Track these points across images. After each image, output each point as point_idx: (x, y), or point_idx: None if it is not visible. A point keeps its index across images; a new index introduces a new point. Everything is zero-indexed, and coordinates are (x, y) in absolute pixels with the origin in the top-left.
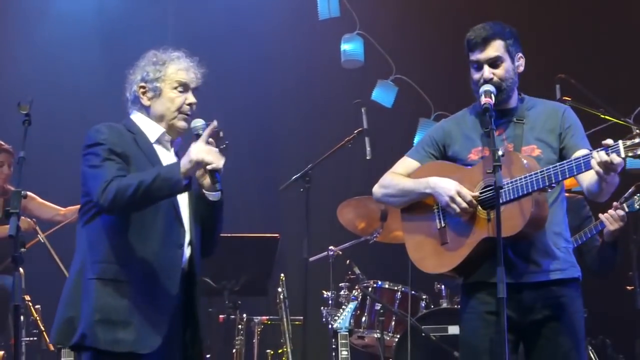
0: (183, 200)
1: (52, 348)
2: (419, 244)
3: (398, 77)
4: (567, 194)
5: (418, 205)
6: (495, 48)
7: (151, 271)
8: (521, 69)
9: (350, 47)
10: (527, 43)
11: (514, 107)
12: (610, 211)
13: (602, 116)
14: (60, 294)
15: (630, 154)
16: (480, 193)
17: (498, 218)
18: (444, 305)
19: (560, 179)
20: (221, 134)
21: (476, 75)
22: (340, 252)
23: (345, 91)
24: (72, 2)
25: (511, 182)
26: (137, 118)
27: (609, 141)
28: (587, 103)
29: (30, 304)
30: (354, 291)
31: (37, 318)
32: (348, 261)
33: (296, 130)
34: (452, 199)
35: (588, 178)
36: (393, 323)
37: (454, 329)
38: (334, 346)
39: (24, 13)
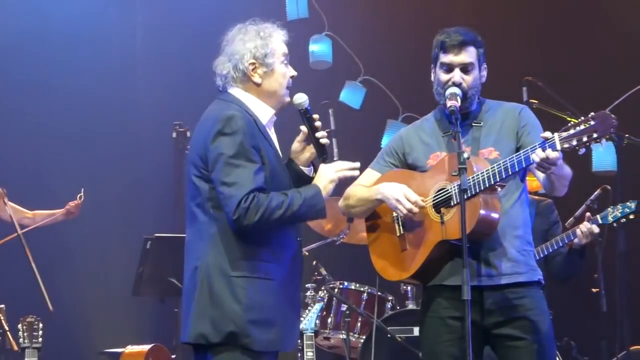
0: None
1: (15, 348)
2: (382, 253)
3: (366, 78)
4: (536, 197)
5: (379, 216)
6: (470, 54)
7: (289, 266)
8: (484, 79)
9: (319, 48)
10: (495, 46)
11: (472, 110)
12: (584, 226)
13: (568, 119)
14: (24, 293)
15: (565, 146)
16: (434, 197)
17: (463, 221)
18: (410, 306)
19: (504, 175)
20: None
21: (444, 77)
22: (307, 253)
23: (313, 92)
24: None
25: (459, 184)
26: (244, 97)
27: (547, 134)
28: (554, 105)
29: None
30: (320, 292)
31: (1, 318)
32: (314, 262)
33: None
34: (398, 201)
35: (541, 174)
36: (359, 324)
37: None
38: (299, 347)
39: None
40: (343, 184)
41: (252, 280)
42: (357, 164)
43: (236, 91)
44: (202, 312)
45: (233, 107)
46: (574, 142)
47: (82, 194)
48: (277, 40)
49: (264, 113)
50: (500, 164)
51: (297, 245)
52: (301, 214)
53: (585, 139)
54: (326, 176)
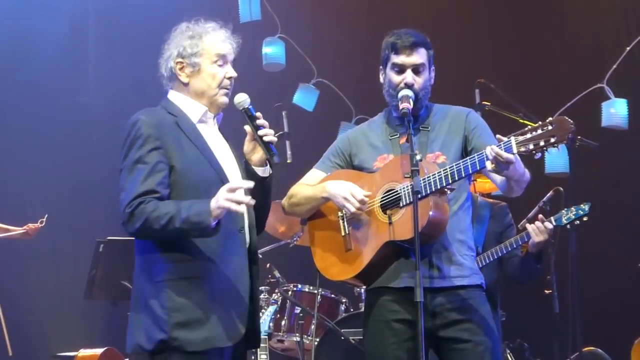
0: (237, 180)
1: None
2: (325, 252)
3: (319, 80)
4: (490, 200)
5: (323, 215)
6: (421, 55)
7: (219, 261)
8: (432, 82)
9: (272, 50)
10: (447, 47)
11: (421, 114)
12: (537, 223)
13: (520, 120)
14: None
15: (522, 149)
16: (382, 198)
17: (416, 222)
18: (364, 308)
19: (457, 177)
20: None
21: (396, 79)
22: (260, 256)
23: (267, 95)
24: None
25: (410, 185)
26: (176, 97)
27: (501, 137)
28: (506, 107)
29: None
30: (273, 294)
31: None
32: (268, 265)
33: None
34: (346, 199)
35: (498, 177)
36: (312, 327)
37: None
38: (253, 350)
39: None
40: (283, 185)
41: (175, 282)
42: (248, 201)
43: (172, 94)
44: (136, 322)
45: (148, 111)
46: (531, 146)
47: (44, 219)
48: (210, 39)
49: (195, 111)
50: (453, 166)
51: (238, 237)
52: (185, 229)
53: (542, 143)
54: (216, 200)
